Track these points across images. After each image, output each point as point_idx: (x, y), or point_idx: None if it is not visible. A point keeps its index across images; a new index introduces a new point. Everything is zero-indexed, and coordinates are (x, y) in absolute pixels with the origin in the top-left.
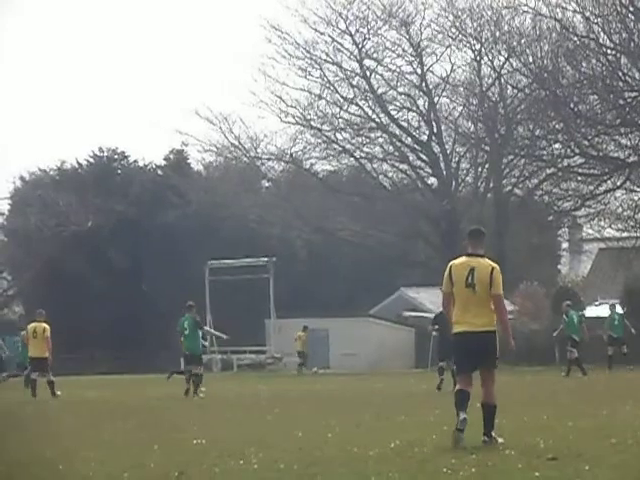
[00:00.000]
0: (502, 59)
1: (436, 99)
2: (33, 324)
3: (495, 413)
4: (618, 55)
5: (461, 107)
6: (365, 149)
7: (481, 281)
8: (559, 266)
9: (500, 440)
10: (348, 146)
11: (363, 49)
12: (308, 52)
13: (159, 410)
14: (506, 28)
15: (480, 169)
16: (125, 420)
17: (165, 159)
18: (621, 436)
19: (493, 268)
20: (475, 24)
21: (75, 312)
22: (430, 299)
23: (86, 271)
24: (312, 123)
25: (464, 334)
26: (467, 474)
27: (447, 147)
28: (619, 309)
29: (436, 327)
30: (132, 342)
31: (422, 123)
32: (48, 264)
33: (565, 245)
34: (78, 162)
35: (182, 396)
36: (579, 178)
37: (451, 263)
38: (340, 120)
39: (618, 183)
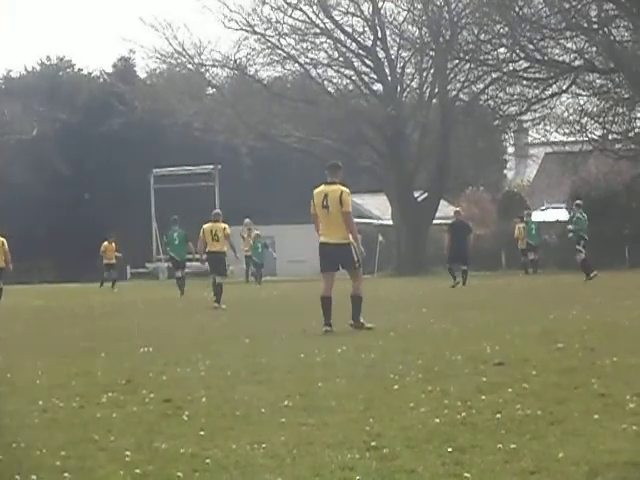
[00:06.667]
0: None
1: (380, 4)
2: None
3: (361, 303)
4: None
5: (405, 12)
6: (310, 55)
7: (333, 203)
8: (505, 171)
9: (369, 325)
10: (293, 52)
11: None
12: None
13: (105, 318)
14: None
15: (425, 74)
16: (71, 328)
17: (113, 66)
18: (568, 341)
19: (342, 191)
20: None
21: (19, 221)
22: (375, 205)
23: (30, 179)
24: (256, 29)
25: (325, 244)
26: (414, 380)
27: (392, 52)
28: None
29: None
30: (75, 250)
31: (367, 28)
32: None
33: (511, 150)
34: (26, 69)
35: (126, 304)
36: (524, 82)
37: (314, 191)
38: (284, 25)
39: (564, 87)
